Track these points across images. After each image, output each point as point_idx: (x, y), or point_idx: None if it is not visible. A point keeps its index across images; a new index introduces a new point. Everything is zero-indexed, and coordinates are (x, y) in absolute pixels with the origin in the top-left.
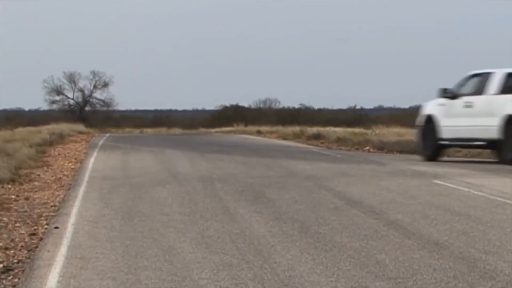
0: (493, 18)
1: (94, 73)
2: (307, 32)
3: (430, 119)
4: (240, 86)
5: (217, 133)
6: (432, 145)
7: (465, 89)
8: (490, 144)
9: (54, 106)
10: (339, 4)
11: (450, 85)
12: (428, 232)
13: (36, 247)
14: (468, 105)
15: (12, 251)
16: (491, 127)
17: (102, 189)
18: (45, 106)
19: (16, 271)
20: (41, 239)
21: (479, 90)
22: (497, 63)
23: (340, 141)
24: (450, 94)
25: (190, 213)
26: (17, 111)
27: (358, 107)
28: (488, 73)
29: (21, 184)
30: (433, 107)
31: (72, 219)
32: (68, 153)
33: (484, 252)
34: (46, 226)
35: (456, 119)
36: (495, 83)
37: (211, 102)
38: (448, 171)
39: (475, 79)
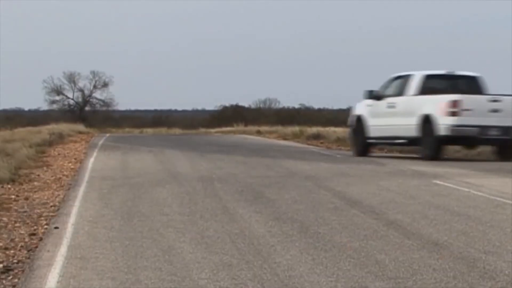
0: (493, 18)
1: (94, 73)
2: (307, 32)
3: (359, 119)
4: (240, 86)
5: (217, 133)
6: (362, 143)
7: (388, 91)
8: (411, 141)
9: (54, 106)
10: (339, 4)
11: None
12: (427, 232)
13: (36, 247)
14: (391, 106)
15: (12, 251)
16: (410, 126)
17: (101, 189)
18: (45, 106)
19: (16, 271)
20: (41, 239)
21: (400, 92)
22: (496, 62)
23: (340, 141)
24: (375, 96)
25: (190, 213)
26: (17, 111)
27: None
28: (408, 75)
29: (21, 184)
30: (361, 108)
31: (72, 219)
32: (67, 153)
33: (484, 252)
34: (46, 226)
35: (381, 119)
36: (414, 85)
37: (211, 102)
38: (448, 171)
39: (398, 81)
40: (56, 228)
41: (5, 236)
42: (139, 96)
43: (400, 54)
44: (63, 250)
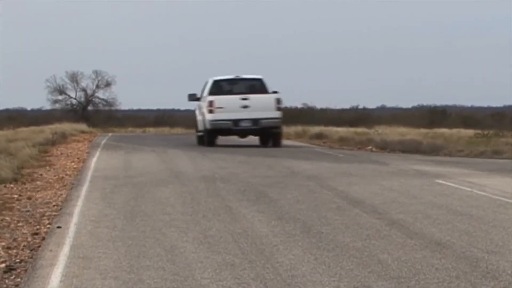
0: (493, 18)
1: (96, 73)
2: (309, 32)
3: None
4: None
5: None
6: (196, 135)
7: (200, 94)
8: (204, 133)
9: (57, 106)
10: (341, 3)
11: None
12: (430, 232)
13: (39, 246)
14: (200, 106)
15: (14, 251)
16: (201, 122)
17: (104, 188)
18: (47, 106)
19: (18, 270)
20: (43, 238)
21: (202, 94)
22: (496, 62)
23: (343, 140)
24: (194, 98)
25: (193, 213)
26: (19, 111)
27: (360, 106)
28: (207, 81)
29: (24, 183)
30: (196, 107)
31: (74, 219)
32: (70, 152)
33: (487, 252)
34: (48, 226)
35: (198, 117)
36: (207, 88)
37: None
38: (450, 170)
39: (204, 86)
40: (58, 227)
41: (7, 235)
42: (142, 96)
43: (402, 54)
44: (65, 249)
